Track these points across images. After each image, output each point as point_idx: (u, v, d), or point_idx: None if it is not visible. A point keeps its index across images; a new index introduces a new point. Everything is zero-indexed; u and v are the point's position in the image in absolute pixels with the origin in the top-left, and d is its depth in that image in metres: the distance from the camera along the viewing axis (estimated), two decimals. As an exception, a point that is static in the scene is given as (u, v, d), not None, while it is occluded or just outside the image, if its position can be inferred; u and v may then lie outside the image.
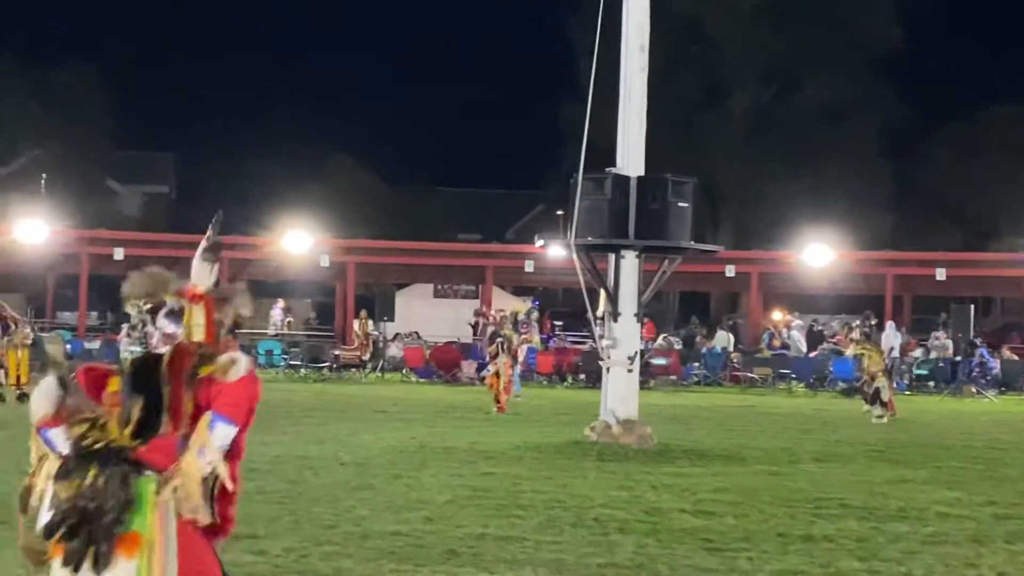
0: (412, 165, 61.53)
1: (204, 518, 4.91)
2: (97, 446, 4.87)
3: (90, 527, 4.77)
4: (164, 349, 5.17)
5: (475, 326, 35.60)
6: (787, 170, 46.69)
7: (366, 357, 32.69)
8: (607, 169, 16.76)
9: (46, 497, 4.90)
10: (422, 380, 31.37)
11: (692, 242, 17.04)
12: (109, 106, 58.14)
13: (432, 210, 56.60)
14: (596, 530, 10.48)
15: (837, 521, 11.10)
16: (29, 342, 23.77)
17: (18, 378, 22.57)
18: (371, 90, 78.97)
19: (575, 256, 16.86)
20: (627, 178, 16.48)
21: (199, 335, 5.10)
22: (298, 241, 33.90)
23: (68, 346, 31.06)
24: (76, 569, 4.78)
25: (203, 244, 5.34)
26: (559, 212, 46.24)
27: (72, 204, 45.13)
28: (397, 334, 35.30)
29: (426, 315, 38.65)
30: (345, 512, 10.92)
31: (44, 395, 4.97)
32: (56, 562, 4.85)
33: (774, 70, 49.28)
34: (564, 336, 36.34)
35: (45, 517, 4.88)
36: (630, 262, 16.72)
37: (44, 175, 54.12)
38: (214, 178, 61.06)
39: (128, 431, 4.95)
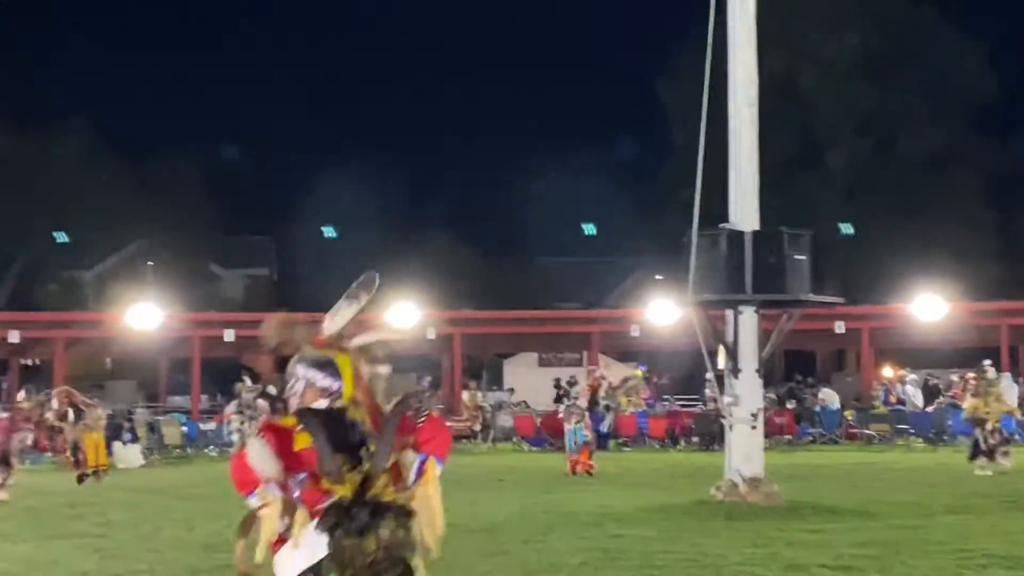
0: (508, 237, 61.91)
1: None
2: (378, 501, 5.19)
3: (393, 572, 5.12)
4: (323, 403, 5.33)
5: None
6: (890, 223, 46.13)
7: (477, 428, 32.69)
8: (720, 225, 16.67)
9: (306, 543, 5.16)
10: (534, 448, 31.27)
11: (811, 295, 16.82)
12: (210, 193, 59.50)
13: (530, 281, 56.81)
14: (736, 587, 10.33)
15: (983, 571, 10.86)
16: (103, 423, 24.25)
17: (98, 457, 23.11)
18: (465, 165, 79.45)
19: (693, 314, 16.72)
20: (742, 233, 16.37)
21: (349, 388, 5.36)
22: (405, 315, 34.04)
23: (184, 428, 31.54)
24: None
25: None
26: (658, 277, 46.12)
27: (177, 290, 45.86)
28: (502, 403, 35.28)
29: (532, 384, 38.57)
30: (482, 577, 10.88)
31: (263, 459, 5.28)
32: None
33: (870, 124, 48.88)
34: (672, 400, 36.02)
35: (294, 565, 5.18)
36: (749, 317, 16.57)
37: (150, 263, 55.19)
38: (313, 259, 61.96)
39: (381, 483, 5.23)
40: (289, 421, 5.40)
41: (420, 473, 5.35)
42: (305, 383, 5.34)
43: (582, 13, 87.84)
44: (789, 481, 18.95)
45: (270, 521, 5.27)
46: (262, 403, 24.63)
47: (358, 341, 5.49)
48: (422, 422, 5.40)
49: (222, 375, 40.35)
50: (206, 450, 30.60)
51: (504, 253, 60.77)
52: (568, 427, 23.84)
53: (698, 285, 16.51)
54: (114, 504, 17.87)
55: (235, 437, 25.34)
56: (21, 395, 22.61)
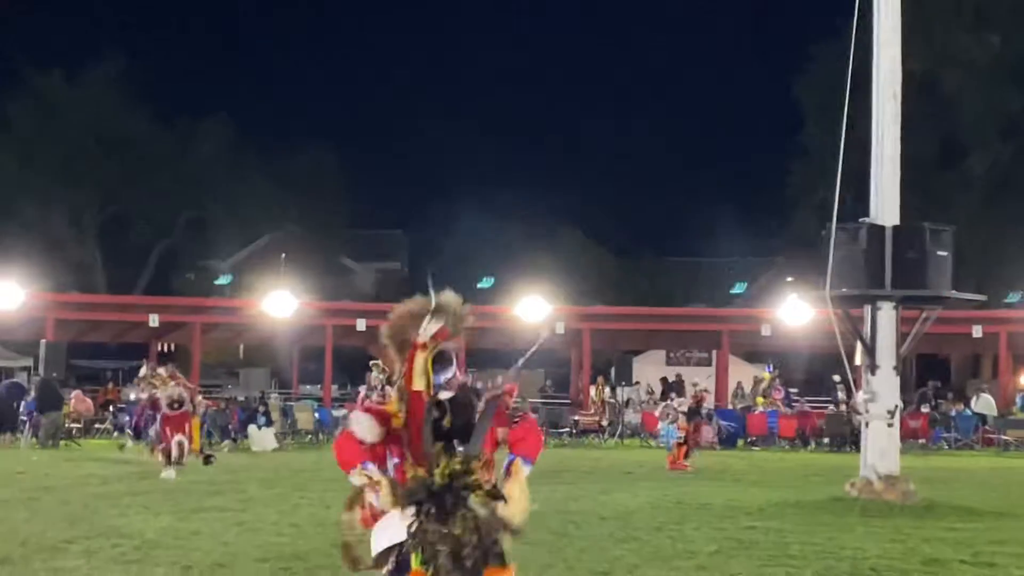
0: (637, 235, 61.78)
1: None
2: (466, 485, 5.37)
3: (474, 556, 5.26)
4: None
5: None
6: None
7: (605, 423, 32.66)
8: (860, 219, 16.46)
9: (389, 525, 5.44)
10: (662, 445, 31.07)
11: (953, 291, 16.52)
12: (345, 187, 60.41)
13: (658, 280, 56.65)
14: (876, 580, 10.23)
15: None
16: (202, 410, 24.61)
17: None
18: (596, 162, 79.36)
19: (830, 309, 16.53)
20: (882, 227, 16.15)
21: (419, 384, 5.59)
22: (534, 309, 34.16)
23: (316, 415, 32.03)
24: None
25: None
26: (789, 279, 45.63)
27: (309, 281, 46.59)
28: (629, 399, 35.19)
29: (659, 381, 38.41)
30: (616, 560, 10.92)
31: (365, 425, 5.65)
32: None
33: (1013, 127, 47.73)
34: (803, 401, 35.56)
35: (385, 540, 5.45)
36: (887, 313, 16.33)
37: (283, 254, 56.16)
38: (445, 253, 62.54)
39: (475, 466, 5.43)
40: (391, 407, 5.75)
41: (508, 472, 5.60)
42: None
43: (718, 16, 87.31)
44: (925, 482, 18.60)
45: (368, 498, 5.57)
46: (390, 390, 24.87)
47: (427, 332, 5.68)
48: (516, 423, 5.68)
49: (352, 364, 40.91)
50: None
51: (634, 251, 60.64)
52: (661, 425, 24.19)
53: (836, 280, 16.32)
54: (252, 482, 18.25)
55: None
56: (143, 370, 22.68)
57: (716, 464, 24.20)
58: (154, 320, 34.46)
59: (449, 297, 5.82)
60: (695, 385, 29.90)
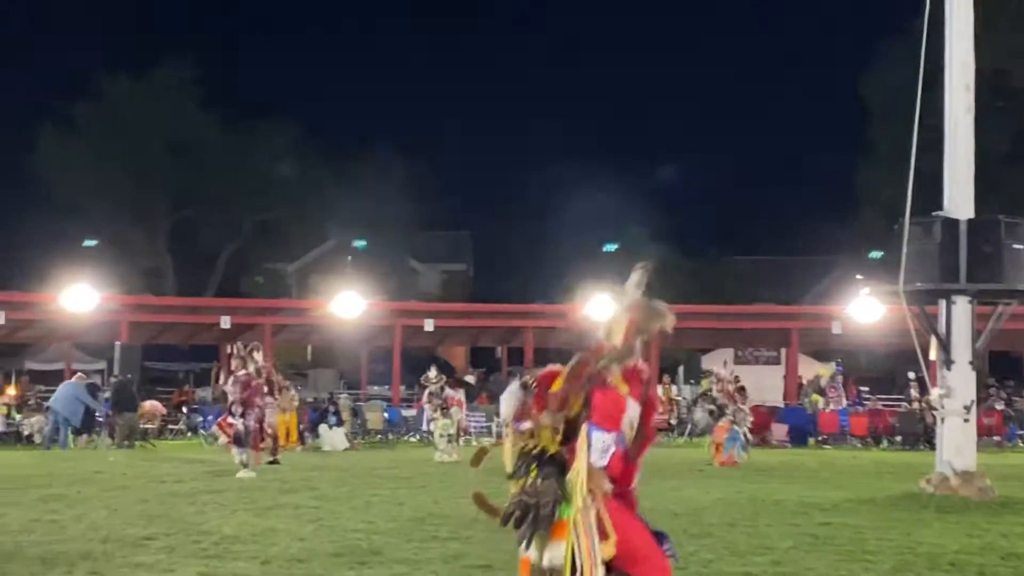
0: (705, 235, 61.56)
1: (606, 489, 5.69)
2: (535, 451, 5.79)
3: (534, 517, 5.64)
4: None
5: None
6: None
7: (673, 421, 32.57)
8: (934, 213, 16.30)
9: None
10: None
11: (1030, 284, 16.30)
12: (411, 189, 60.69)
13: (726, 279, 56.35)
14: (954, 574, 10.12)
15: None
16: (296, 404, 24.76)
17: (288, 439, 23.56)
18: (662, 162, 79.18)
19: (904, 304, 16.38)
20: (956, 221, 15.98)
21: (616, 339, 5.82)
22: (600, 307, 34.08)
23: (386, 414, 32.22)
24: (527, 548, 5.72)
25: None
26: (858, 277, 45.21)
27: (376, 283, 46.84)
28: (698, 398, 35.06)
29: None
30: (690, 556, 10.85)
31: (509, 395, 6.01)
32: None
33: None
34: (874, 399, 35.26)
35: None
36: (962, 308, 16.16)
37: (349, 257, 56.49)
38: (510, 255, 62.73)
39: (559, 438, 5.79)
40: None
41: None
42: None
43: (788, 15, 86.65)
44: (1001, 479, 18.39)
45: (505, 456, 5.97)
46: (451, 392, 24.93)
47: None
48: (595, 390, 5.81)
49: (420, 364, 41.07)
50: (406, 437, 31.21)
51: (700, 251, 60.42)
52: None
53: (910, 275, 16.16)
54: (324, 481, 18.39)
55: (433, 427, 25.66)
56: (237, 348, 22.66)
57: (788, 462, 24.07)
58: (225, 322, 34.83)
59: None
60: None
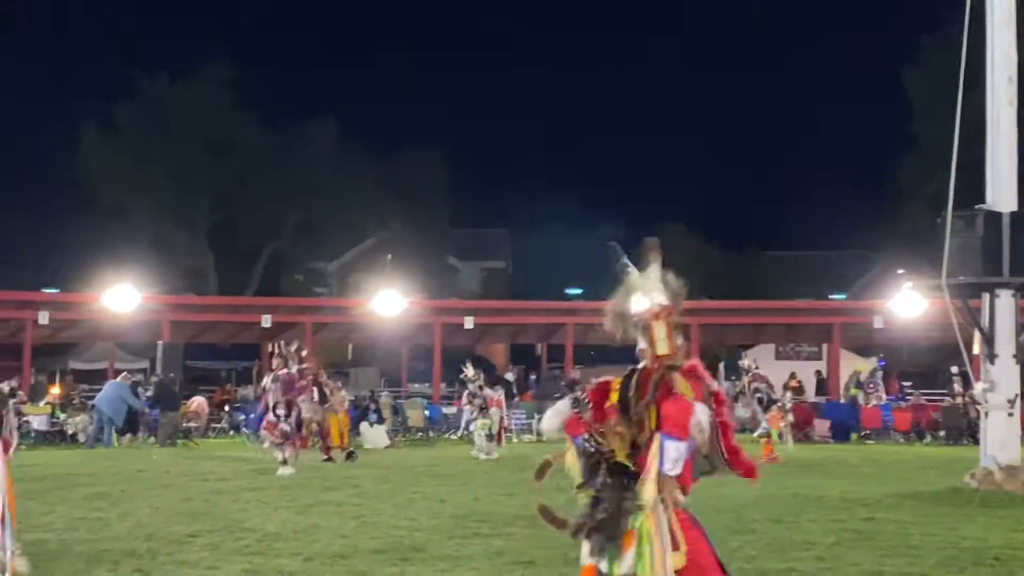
0: (742, 230, 61.37)
1: (679, 499, 5.73)
2: (604, 461, 5.81)
3: (605, 527, 5.68)
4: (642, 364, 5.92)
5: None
6: None
7: (715, 418, 32.39)
8: (977, 206, 16.17)
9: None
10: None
11: (1075, 278, 16.15)
12: (450, 188, 60.83)
13: (764, 274, 56.14)
14: (1000, 568, 10.07)
15: None
16: (346, 406, 24.81)
17: (342, 439, 23.66)
18: (698, 158, 78.96)
19: (947, 298, 16.25)
20: (999, 214, 15.86)
21: (663, 348, 5.79)
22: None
23: (427, 412, 32.29)
24: (599, 559, 5.71)
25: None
26: (900, 271, 44.90)
27: (415, 281, 46.93)
28: (739, 394, 34.87)
29: (769, 376, 38.06)
30: (733, 552, 10.81)
31: (556, 412, 6.06)
32: (584, 550, 5.79)
33: None
34: (917, 394, 35.00)
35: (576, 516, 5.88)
36: (1006, 301, 16.05)
37: (389, 255, 56.62)
38: (549, 252, 62.73)
39: (626, 446, 5.79)
40: (615, 381, 6.01)
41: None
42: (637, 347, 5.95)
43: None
44: (1046, 474, 18.29)
45: (572, 467, 5.98)
46: (490, 392, 24.92)
47: (652, 306, 5.93)
48: (667, 399, 5.78)
49: (460, 362, 41.05)
50: (447, 434, 31.26)
51: (739, 246, 60.23)
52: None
53: (952, 268, 16.05)
54: (366, 478, 18.45)
55: (472, 427, 25.69)
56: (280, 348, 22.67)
57: (830, 457, 23.96)
58: (266, 321, 34.99)
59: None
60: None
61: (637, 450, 5.75)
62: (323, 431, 23.31)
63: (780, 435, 24.21)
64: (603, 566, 5.67)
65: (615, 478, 5.75)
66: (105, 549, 10.81)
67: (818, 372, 39.13)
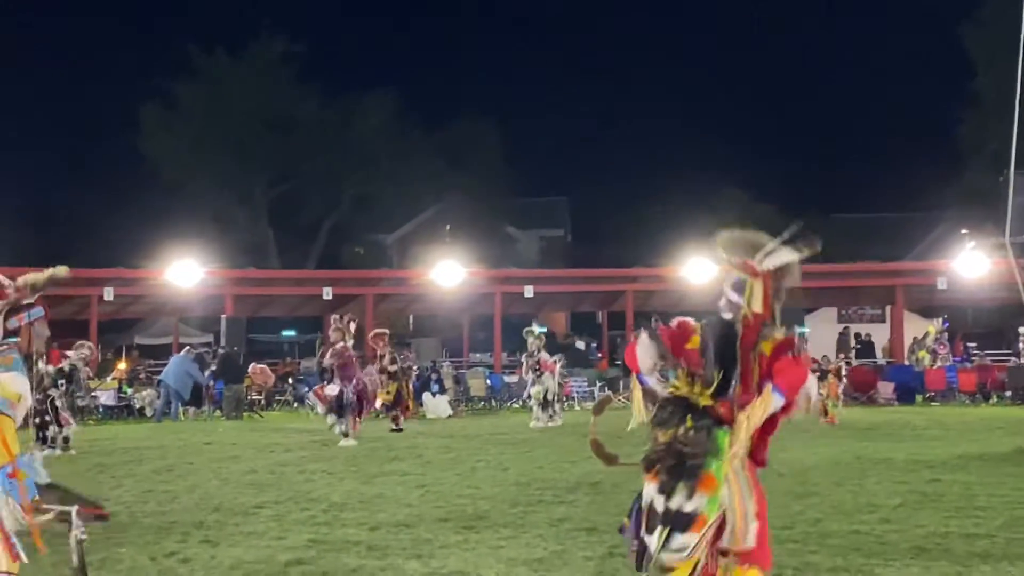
0: (805, 194, 60.75)
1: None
2: (687, 401, 5.83)
3: (681, 466, 5.67)
4: (728, 315, 5.91)
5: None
6: None
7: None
8: (1040, 166, 15.94)
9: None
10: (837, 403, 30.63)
11: None
12: (507, 157, 60.80)
13: (827, 237, 55.54)
14: (1068, 528, 9.96)
15: None
16: (414, 373, 25.00)
17: (407, 409, 23.92)
18: (759, 123, 78.14)
19: (1011, 257, 16.07)
20: (1063, 171, 15.63)
21: (757, 307, 5.80)
22: (698, 270, 33.87)
23: (488, 381, 32.39)
24: (668, 497, 5.67)
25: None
26: (964, 231, 44.38)
27: (475, 251, 47.00)
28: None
29: (832, 340, 37.90)
30: (797, 515, 10.81)
31: (644, 348, 6.02)
32: (652, 487, 5.77)
33: None
34: (982, 354, 34.65)
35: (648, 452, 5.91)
36: (1071, 259, 15.82)
37: (448, 225, 56.71)
38: (607, 219, 62.51)
39: (710, 391, 5.79)
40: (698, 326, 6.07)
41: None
42: (724, 298, 5.95)
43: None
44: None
45: (636, 404, 6.09)
46: (544, 356, 24.82)
47: (768, 264, 5.93)
48: (786, 356, 5.79)
49: (520, 331, 41.10)
50: (509, 403, 31.34)
51: (800, 209, 59.63)
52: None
53: (1016, 226, 15.86)
54: (429, 448, 18.55)
55: (533, 390, 25.55)
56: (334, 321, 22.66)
57: (894, 420, 23.79)
58: (327, 293, 35.22)
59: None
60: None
61: (718, 397, 5.77)
62: (397, 402, 23.51)
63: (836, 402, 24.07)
64: (673, 503, 5.65)
65: (701, 419, 5.74)
66: (174, 521, 10.97)
67: (857, 335, 38.91)
